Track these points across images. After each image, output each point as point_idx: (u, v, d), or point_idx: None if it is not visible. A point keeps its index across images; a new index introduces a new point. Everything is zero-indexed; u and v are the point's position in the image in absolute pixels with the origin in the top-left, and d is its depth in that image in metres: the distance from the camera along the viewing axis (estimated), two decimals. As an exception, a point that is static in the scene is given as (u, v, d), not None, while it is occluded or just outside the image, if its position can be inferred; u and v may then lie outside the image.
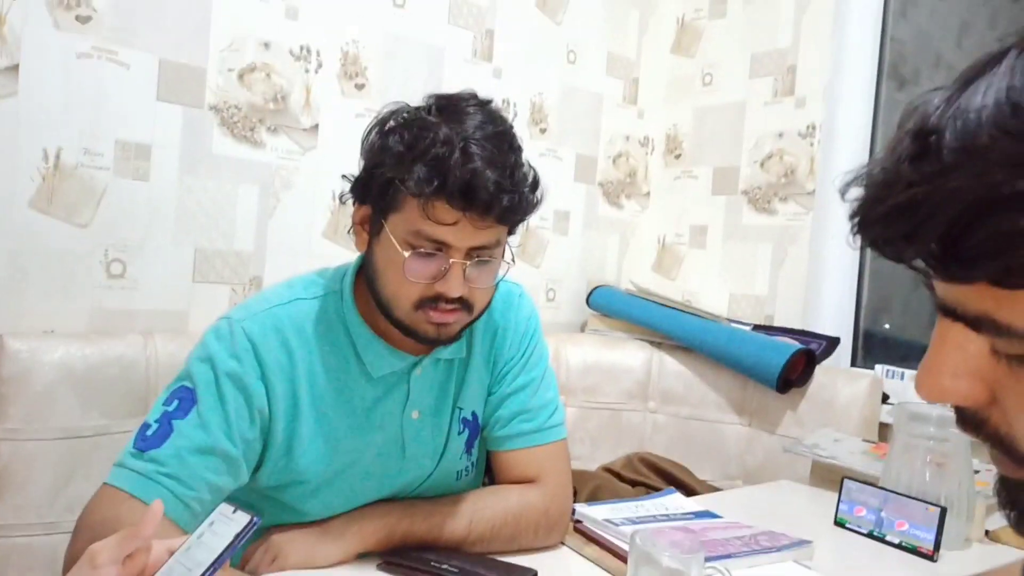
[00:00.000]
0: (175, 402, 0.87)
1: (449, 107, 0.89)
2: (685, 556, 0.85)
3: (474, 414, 1.05)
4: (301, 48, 1.61)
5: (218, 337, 0.91)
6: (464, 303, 0.91)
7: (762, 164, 2.06)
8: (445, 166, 0.83)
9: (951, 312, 0.36)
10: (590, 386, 1.92)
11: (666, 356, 1.93)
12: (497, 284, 0.95)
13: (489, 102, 0.92)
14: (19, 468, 1.24)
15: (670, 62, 2.28)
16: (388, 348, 0.96)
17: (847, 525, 1.22)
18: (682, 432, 1.89)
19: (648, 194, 2.32)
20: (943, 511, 1.11)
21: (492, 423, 1.06)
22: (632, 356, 1.94)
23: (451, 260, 0.88)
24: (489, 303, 0.96)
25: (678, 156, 2.26)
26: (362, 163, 0.93)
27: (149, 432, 0.85)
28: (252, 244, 1.57)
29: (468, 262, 0.89)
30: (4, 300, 1.32)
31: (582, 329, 2.15)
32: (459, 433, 1.04)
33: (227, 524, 0.59)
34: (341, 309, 0.96)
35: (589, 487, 1.63)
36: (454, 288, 0.88)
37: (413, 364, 0.98)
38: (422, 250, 0.87)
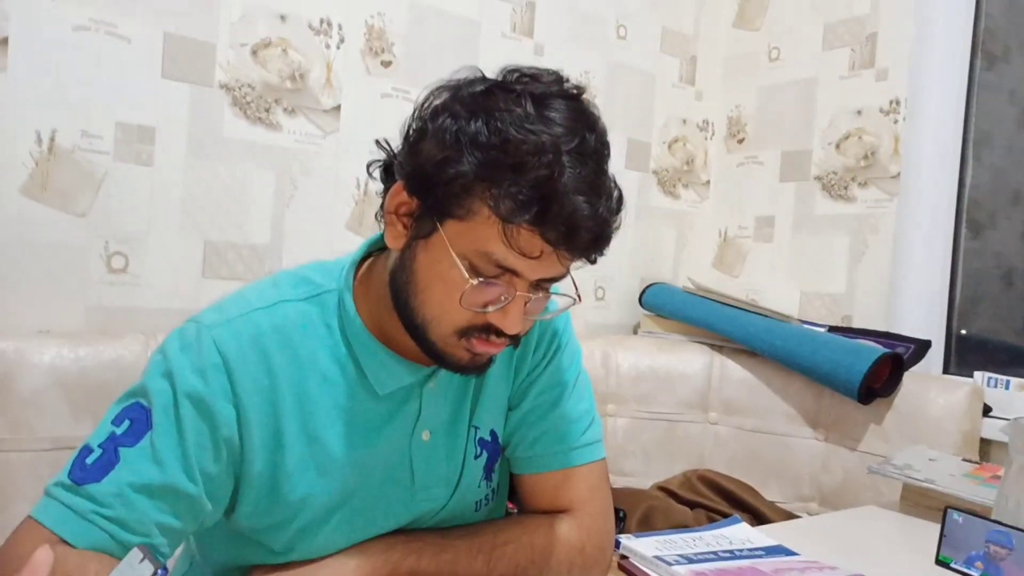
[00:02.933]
0: (125, 422, 0.70)
1: (537, 96, 0.68)
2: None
3: (493, 433, 0.88)
4: (321, 21, 1.47)
5: (183, 347, 0.73)
6: (515, 337, 0.74)
7: (838, 146, 1.84)
8: (549, 190, 0.65)
9: None
10: (643, 394, 1.73)
11: (728, 361, 1.73)
12: None
13: (582, 92, 0.72)
14: (3, 482, 1.12)
15: (732, 36, 2.07)
16: (396, 359, 0.78)
17: (952, 565, 1.00)
18: (747, 447, 1.68)
19: (708, 183, 2.12)
20: (1082, 555, 0.89)
21: (516, 443, 0.89)
22: (690, 361, 1.75)
23: (516, 292, 0.70)
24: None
25: (741, 140, 2.05)
26: (412, 137, 0.72)
27: (90, 460, 0.68)
28: (268, 236, 1.44)
29: (533, 296, 0.71)
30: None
31: (634, 331, 1.96)
32: (476, 457, 0.86)
33: (132, 573, 0.45)
34: (338, 312, 0.78)
35: (640, 509, 1.44)
36: (514, 324, 0.71)
37: (426, 377, 0.81)
38: (489, 277, 0.69)
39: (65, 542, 0.66)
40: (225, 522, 0.78)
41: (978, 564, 0.98)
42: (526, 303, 0.71)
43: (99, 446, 0.69)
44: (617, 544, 0.95)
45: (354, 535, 0.79)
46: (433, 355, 0.75)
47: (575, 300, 0.75)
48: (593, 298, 1.92)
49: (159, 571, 0.46)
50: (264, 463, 0.74)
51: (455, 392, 0.84)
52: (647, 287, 1.89)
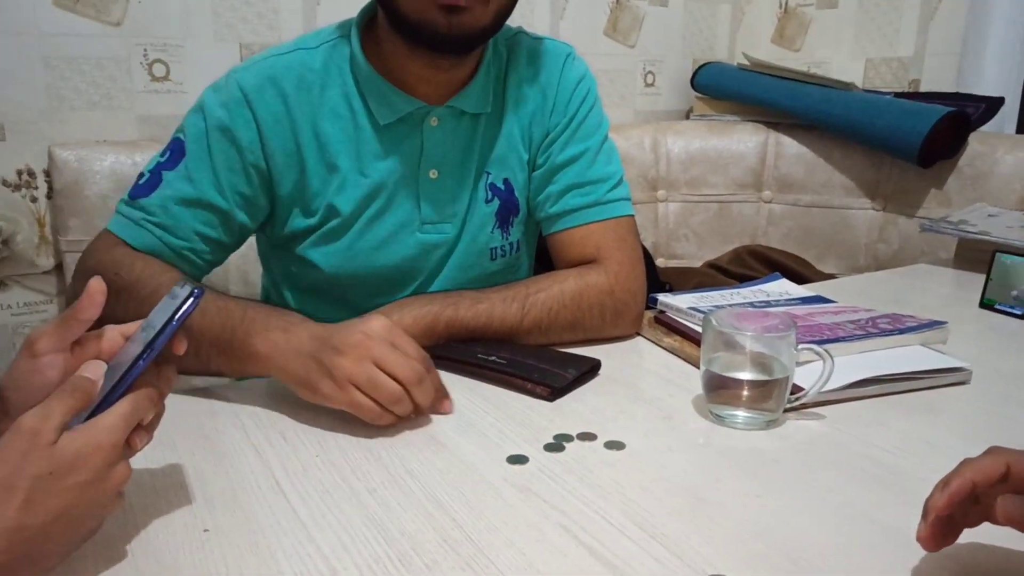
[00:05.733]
0: (168, 153, 0.85)
1: None
2: (769, 336, 0.68)
3: (507, 183, 0.93)
4: None
5: (214, 89, 0.86)
6: None
7: None
8: None
9: None
10: (694, 178, 1.71)
11: (784, 137, 1.67)
12: None
13: None
14: (87, 279, 1.23)
15: None
16: (395, 91, 0.86)
17: (997, 306, 1.00)
18: (802, 223, 1.66)
19: (766, -51, 1.95)
20: None
21: (542, 202, 0.93)
22: (743, 141, 1.70)
23: None
24: (511, 8, 0.83)
25: None
26: None
27: (141, 181, 0.85)
28: (299, 33, 1.42)
29: None
30: (47, 109, 1.26)
31: (687, 117, 1.90)
32: (487, 201, 0.92)
33: (173, 299, 0.51)
34: (349, 54, 0.87)
35: (689, 285, 1.47)
36: None
37: (426, 112, 0.87)
38: None
39: (126, 244, 0.83)
40: (281, 250, 0.93)
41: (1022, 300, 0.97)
42: None
43: (149, 172, 0.85)
44: (654, 301, 0.97)
45: (370, 258, 0.90)
46: (412, 30, 0.79)
47: None
48: (643, 83, 1.86)
49: (196, 291, 0.51)
50: (292, 185, 0.87)
51: (464, 136, 0.90)
52: (700, 67, 1.81)
